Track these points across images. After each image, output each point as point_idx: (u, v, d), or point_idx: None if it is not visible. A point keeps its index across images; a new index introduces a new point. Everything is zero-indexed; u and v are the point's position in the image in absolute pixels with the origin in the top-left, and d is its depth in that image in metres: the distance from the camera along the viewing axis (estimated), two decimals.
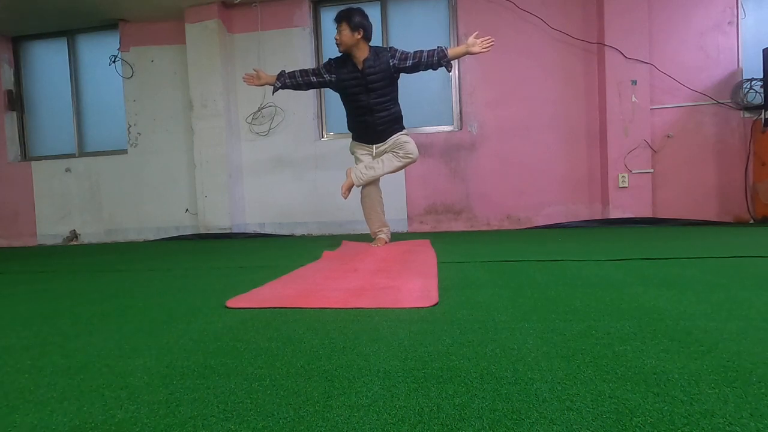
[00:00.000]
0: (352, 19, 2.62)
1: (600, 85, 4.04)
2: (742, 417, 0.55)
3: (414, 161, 2.86)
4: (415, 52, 2.71)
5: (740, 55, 3.85)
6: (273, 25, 4.52)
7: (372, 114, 2.78)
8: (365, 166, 2.85)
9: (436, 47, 2.70)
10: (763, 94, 3.67)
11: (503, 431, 0.54)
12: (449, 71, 2.79)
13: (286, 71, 2.86)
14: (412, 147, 2.82)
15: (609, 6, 3.91)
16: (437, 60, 2.68)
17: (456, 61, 4.28)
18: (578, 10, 4.11)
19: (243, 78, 2.92)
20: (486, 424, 0.56)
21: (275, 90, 2.89)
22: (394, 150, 2.84)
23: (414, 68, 2.73)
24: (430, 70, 2.81)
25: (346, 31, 2.62)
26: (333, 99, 4.49)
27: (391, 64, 2.70)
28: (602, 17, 3.95)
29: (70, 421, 0.62)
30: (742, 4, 3.84)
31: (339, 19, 2.63)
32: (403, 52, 2.72)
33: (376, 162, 2.85)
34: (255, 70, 2.88)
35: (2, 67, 5.02)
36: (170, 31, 4.69)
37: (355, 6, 2.69)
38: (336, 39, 2.65)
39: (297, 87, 2.88)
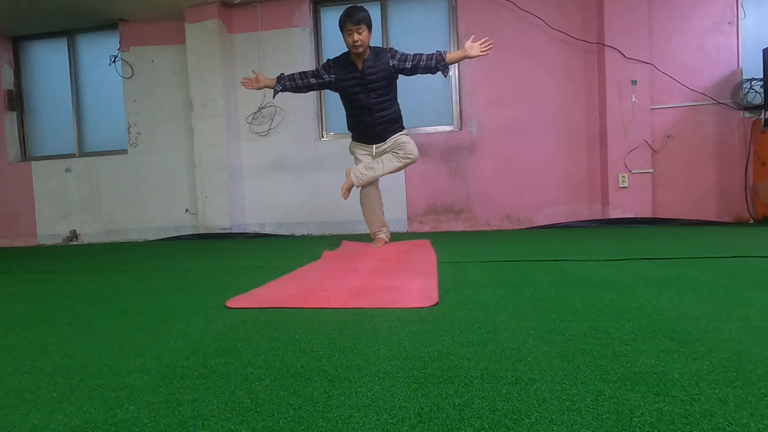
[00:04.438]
0: (370, 20, 2.64)
1: (600, 85, 4.04)
2: (742, 417, 0.55)
3: (414, 161, 2.86)
4: (415, 54, 2.71)
5: (740, 55, 3.85)
6: (273, 25, 4.52)
7: (371, 114, 2.78)
8: (365, 167, 2.85)
9: (435, 52, 2.70)
10: (763, 94, 3.67)
11: (503, 431, 0.54)
12: (445, 76, 2.79)
13: (286, 74, 2.86)
14: (412, 147, 2.82)
15: (609, 6, 3.91)
16: (435, 64, 2.69)
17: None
18: (578, 10, 4.11)
19: (241, 82, 2.90)
20: (486, 424, 0.56)
21: (275, 93, 2.89)
22: (394, 150, 2.84)
23: (412, 71, 2.73)
24: (428, 74, 2.82)
25: (366, 32, 2.62)
26: (333, 99, 4.48)
27: (391, 64, 2.71)
28: (602, 17, 3.95)
29: (70, 421, 0.62)
30: (742, 4, 3.84)
31: (359, 21, 2.58)
32: (402, 54, 2.72)
33: (376, 162, 2.85)
34: (254, 73, 2.87)
35: (2, 67, 5.02)
36: (170, 31, 4.69)
37: (359, 5, 2.69)
38: (357, 41, 2.60)
39: (297, 89, 2.87)
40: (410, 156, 2.81)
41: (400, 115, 2.91)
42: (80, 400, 0.68)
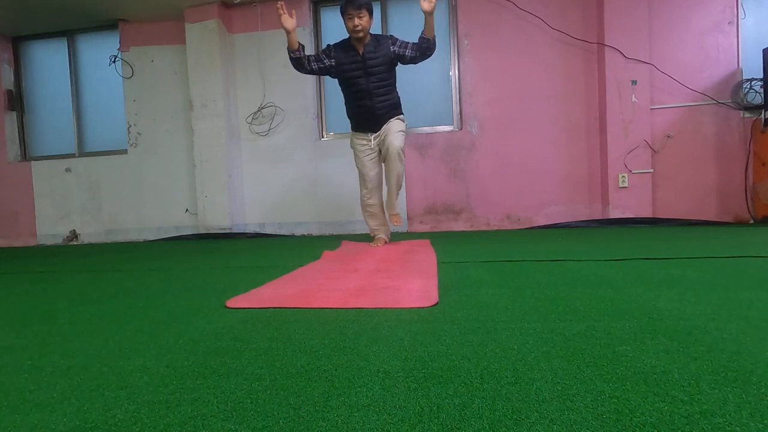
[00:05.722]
0: (371, 6, 2.70)
1: (600, 85, 4.04)
2: (742, 417, 0.55)
3: (397, 150, 2.80)
4: (413, 44, 2.77)
5: (740, 55, 3.85)
6: (273, 25, 4.51)
7: (371, 98, 2.79)
8: (376, 221, 3.04)
9: (418, 39, 2.75)
10: (763, 94, 3.67)
11: (503, 431, 0.54)
12: (431, 40, 2.74)
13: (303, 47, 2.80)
14: (392, 138, 2.79)
15: (609, 6, 3.91)
16: (425, 45, 2.72)
17: (454, 56, 4.29)
18: (578, 10, 4.11)
19: (278, 5, 2.70)
20: (486, 424, 0.56)
21: (291, 53, 2.77)
22: (383, 160, 2.89)
23: (411, 60, 2.79)
24: (428, 66, 2.82)
25: (367, 17, 2.67)
26: (333, 99, 4.50)
27: (392, 50, 2.76)
28: (602, 17, 3.95)
29: (70, 421, 0.62)
30: (742, 4, 3.84)
31: (360, 6, 2.63)
32: (403, 42, 2.79)
33: (381, 211, 3.04)
34: (291, 15, 2.72)
35: (2, 67, 5.02)
36: (170, 31, 4.69)
37: None
38: (357, 25, 2.64)
39: (300, 66, 2.80)
40: (390, 150, 2.78)
41: (399, 102, 2.92)
42: (80, 400, 0.68)
